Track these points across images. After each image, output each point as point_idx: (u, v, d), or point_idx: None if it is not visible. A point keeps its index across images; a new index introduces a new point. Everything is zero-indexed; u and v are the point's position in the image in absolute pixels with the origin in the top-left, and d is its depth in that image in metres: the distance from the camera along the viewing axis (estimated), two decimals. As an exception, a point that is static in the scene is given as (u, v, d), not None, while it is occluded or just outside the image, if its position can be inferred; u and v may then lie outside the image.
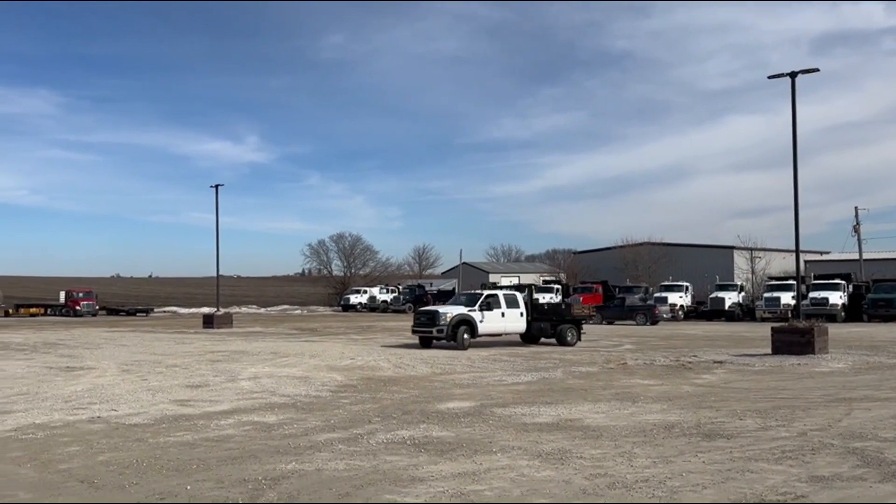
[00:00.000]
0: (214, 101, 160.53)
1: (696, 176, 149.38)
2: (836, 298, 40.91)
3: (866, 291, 42.54)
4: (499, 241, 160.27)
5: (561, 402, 11.86)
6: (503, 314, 23.95)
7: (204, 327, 38.03)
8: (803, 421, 9.85)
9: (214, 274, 44.40)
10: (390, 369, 17.20)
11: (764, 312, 42.25)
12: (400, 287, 70.35)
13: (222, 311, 43.26)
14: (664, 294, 47.27)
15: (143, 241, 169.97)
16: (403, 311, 58.85)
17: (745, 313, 45.41)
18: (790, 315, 30.98)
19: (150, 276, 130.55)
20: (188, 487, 6.72)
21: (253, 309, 70.48)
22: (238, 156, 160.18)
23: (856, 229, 56.89)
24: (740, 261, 60.58)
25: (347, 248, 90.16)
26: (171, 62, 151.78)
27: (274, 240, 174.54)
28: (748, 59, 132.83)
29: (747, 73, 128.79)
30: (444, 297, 56.42)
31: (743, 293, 48.81)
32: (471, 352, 21.83)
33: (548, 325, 24.68)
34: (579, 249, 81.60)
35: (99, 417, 10.58)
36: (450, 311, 23.59)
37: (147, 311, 61.42)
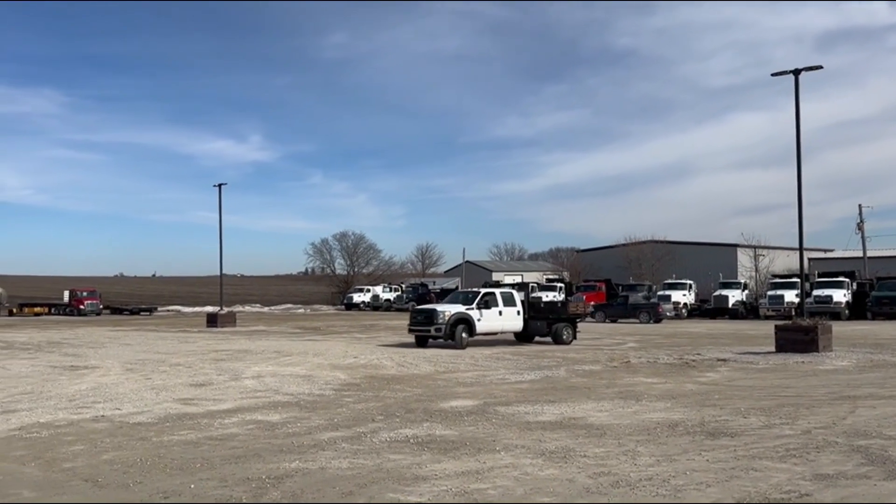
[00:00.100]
0: (218, 100, 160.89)
1: (700, 173, 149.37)
2: (840, 296, 40.84)
3: (870, 289, 42.45)
4: (502, 240, 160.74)
5: (564, 400, 11.85)
6: (500, 312, 23.65)
7: (207, 326, 38.09)
8: (807, 419, 9.83)
9: (218, 273, 44.52)
10: (393, 368, 17.21)
11: (768, 310, 42.17)
12: (403, 286, 70.37)
13: (226, 309, 43.38)
14: (667, 292, 47.19)
15: (146, 241, 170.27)
16: (406, 310, 58.81)
17: (748, 311, 45.32)
18: (794, 313, 30.83)
19: (153, 276, 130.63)
20: (192, 486, 6.73)
21: (256, 308, 70.59)
22: (241, 155, 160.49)
23: (860, 227, 56.82)
24: (744, 259, 60.47)
25: (350, 247, 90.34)
26: (175, 61, 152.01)
27: (277, 238, 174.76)
28: (752, 56, 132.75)
29: (751, 70, 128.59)
30: (448, 295, 56.40)
31: (746, 291, 48.69)
32: (474, 350, 21.80)
33: (543, 324, 24.38)
34: (582, 248, 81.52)
35: (103, 416, 10.60)
36: (448, 309, 23.20)
37: (151, 310, 61.52)
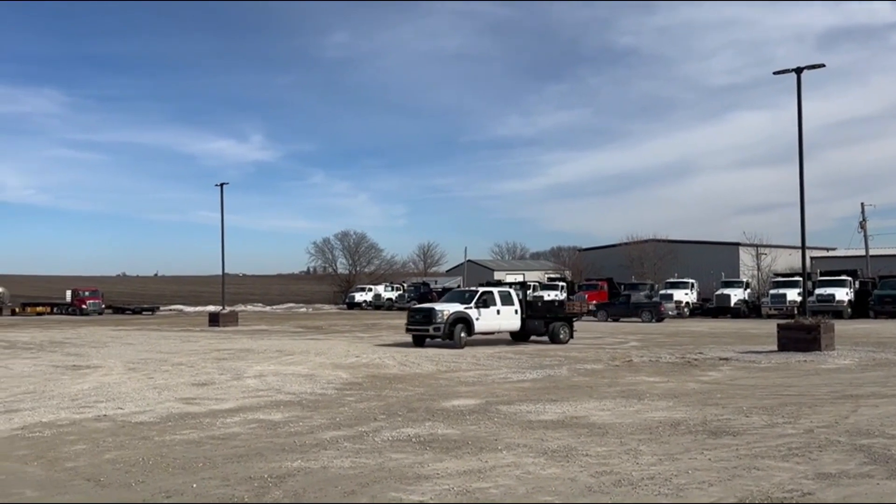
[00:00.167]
0: (219, 99, 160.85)
1: (702, 172, 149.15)
2: (843, 295, 40.77)
3: (873, 288, 42.39)
4: (504, 239, 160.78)
5: (566, 399, 11.85)
6: (499, 312, 23.41)
7: (209, 325, 38.14)
8: (810, 418, 9.82)
9: (220, 272, 44.57)
10: (395, 367, 17.21)
11: (770, 309, 42.12)
12: (405, 285, 70.39)
13: (228, 309, 43.39)
14: (670, 291, 47.15)
15: (148, 240, 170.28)
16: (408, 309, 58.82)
17: (750, 310, 45.26)
18: (796, 312, 30.84)
19: (155, 275, 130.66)
20: (194, 485, 6.73)
21: (258, 307, 70.62)
22: (243, 154, 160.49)
23: (862, 225, 56.79)
24: (746, 257, 60.47)
25: (352, 246, 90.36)
26: (176, 61, 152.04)
27: (279, 238, 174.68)
28: (753, 55, 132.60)
29: (752, 69, 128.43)
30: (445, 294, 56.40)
31: (749, 290, 48.64)
32: (475, 349, 21.78)
33: (540, 323, 24.17)
34: (584, 247, 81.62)
35: (105, 416, 10.61)
36: (446, 308, 22.88)
37: (153, 310, 61.56)
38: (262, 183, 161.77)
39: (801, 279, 28.02)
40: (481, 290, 24.70)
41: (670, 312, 43.16)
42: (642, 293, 46.56)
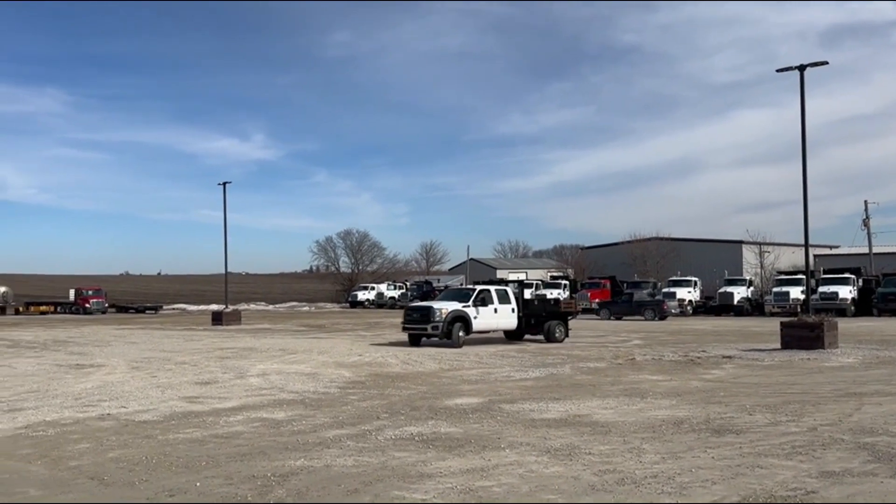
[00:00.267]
0: (221, 99, 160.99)
1: (704, 170, 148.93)
2: (846, 293, 40.69)
3: (876, 286, 42.29)
4: (506, 237, 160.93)
5: (569, 397, 11.84)
6: (496, 310, 23.22)
7: (213, 324, 38.20)
8: (813, 416, 9.80)
9: (223, 271, 44.64)
10: (398, 365, 17.21)
11: (773, 307, 42.09)
12: (407, 283, 70.45)
13: (231, 308, 43.42)
14: (672, 289, 47.14)
15: (151, 239, 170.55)
16: (411, 308, 58.82)
17: (753, 308, 45.23)
18: (799, 310, 30.83)
19: (158, 274, 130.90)
20: (197, 484, 6.74)
21: (261, 306, 70.73)
22: (245, 153, 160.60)
23: (865, 223, 56.62)
24: (749, 255, 60.39)
25: (355, 245, 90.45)
26: (178, 61, 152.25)
27: (282, 237, 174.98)
28: (756, 52, 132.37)
29: (755, 66, 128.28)
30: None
31: (752, 288, 48.61)
32: (478, 348, 21.77)
33: (536, 321, 24.02)
34: (587, 245, 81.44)
35: (109, 415, 10.63)
36: (444, 307, 22.61)
37: (156, 309, 61.68)
38: (265, 182, 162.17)
39: (804, 277, 27.99)
40: (479, 288, 24.56)
41: (673, 311, 43.14)
42: (645, 291, 46.57)
